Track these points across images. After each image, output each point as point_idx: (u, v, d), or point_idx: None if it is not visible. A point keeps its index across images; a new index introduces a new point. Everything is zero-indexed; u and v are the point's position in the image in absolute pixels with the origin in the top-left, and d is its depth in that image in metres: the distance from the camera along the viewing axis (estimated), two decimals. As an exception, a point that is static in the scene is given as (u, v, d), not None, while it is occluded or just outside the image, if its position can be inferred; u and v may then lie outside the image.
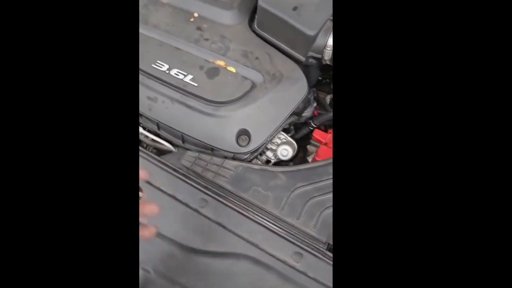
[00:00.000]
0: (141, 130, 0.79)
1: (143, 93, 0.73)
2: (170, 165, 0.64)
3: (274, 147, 0.72)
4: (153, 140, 0.79)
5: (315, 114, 0.79)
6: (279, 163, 0.73)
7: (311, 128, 0.77)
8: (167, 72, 0.72)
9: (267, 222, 0.59)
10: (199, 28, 0.75)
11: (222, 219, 0.59)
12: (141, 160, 0.65)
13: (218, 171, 0.64)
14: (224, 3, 0.75)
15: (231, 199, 0.60)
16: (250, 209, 0.60)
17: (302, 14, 0.65)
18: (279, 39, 0.72)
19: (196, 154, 0.66)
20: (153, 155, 0.65)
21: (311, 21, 0.65)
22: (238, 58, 0.71)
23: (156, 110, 0.72)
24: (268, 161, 0.74)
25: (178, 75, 0.71)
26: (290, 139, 0.73)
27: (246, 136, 0.68)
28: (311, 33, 0.65)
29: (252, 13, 0.77)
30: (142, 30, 0.76)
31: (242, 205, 0.60)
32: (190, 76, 0.71)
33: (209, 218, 0.60)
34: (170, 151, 0.79)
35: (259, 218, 0.59)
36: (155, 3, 0.78)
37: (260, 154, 0.73)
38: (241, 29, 0.74)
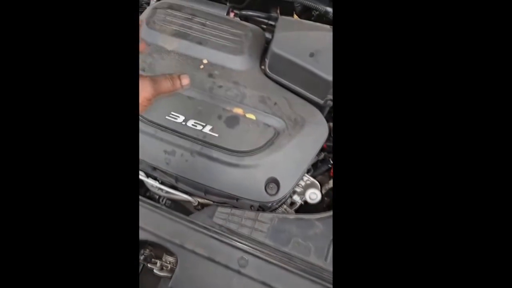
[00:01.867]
0: (155, 183, 0.75)
1: (159, 147, 0.69)
2: (203, 224, 0.61)
3: (299, 190, 0.72)
4: (168, 192, 0.76)
5: (324, 147, 0.80)
6: (305, 206, 0.73)
7: (330, 166, 0.78)
8: (184, 123, 0.69)
9: (313, 275, 0.58)
10: (210, 75, 0.73)
11: (266, 277, 0.58)
12: (171, 222, 0.62)
13: (253, 225, 0.62)
14: (233, 48, 0.74)
15: (272, 254, 0.59)
16: (293, 263, 0.59)
17: (320, 60, 0.66)
18: (295, 83, 0.72)
19: (228, 209, 0.64)
20: (183, 216, 0.62)
21: (329, 67, 0.66)
22: (256, 105, 0.70)
23: (175, 164, 0.69)
24: (292, 203, 0.73)
25: (196, 126, 0.69)
26: (313, 180, 0.73)
27: (274, 184, 0.67)
28: (330, 78, 0.66)
29: (262, 56, 0.77)
30: (149, 80, 0.73)
31: (285, 259, 0.59)
32: (209, 127, 0.69)
33: (252, 278, 0.58)
34: (187, 202, 0.76)
35: (304, 272, 0.58)
36: (160, 51, 0.76)
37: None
38: (254, 74, 0.74)
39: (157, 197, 0.81)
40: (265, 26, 0.91)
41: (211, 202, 0.74)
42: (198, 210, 0.76)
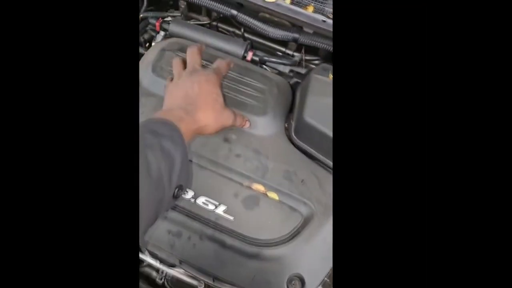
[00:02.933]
0: (154, 263, 0.64)
1: (162, 226, 0.58)
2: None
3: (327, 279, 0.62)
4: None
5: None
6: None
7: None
8: (193, 200, 0.58)
9: None
10: (226, 140, 0.62)
11: None
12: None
13: None
14: (255, 107, 0.63)
15: None
16: None
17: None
18: (326, 155, 0.61)
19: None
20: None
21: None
22: (281, 182, 0.59)
23: (180, 247, 0.58)
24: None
25: (207, 204, 0.58)
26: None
27: (298, 281, 0.56)
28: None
29: (287, 114, 0.66)
30: (153, 141, 0.61)
31: None
32: (223, 207, 0.58)
33: None
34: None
35: None
36: (167, 105, 0.64)
37: None
38: (278, 141, 0.63)
39: (155, 268, 0.70)
40: (280, 54, 0.80)
41: (220, 288, 0.63)
42: (204, 294, 0.66)
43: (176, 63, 0.59)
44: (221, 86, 0.57)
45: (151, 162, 0.41)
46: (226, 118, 0.55)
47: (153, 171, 0.41)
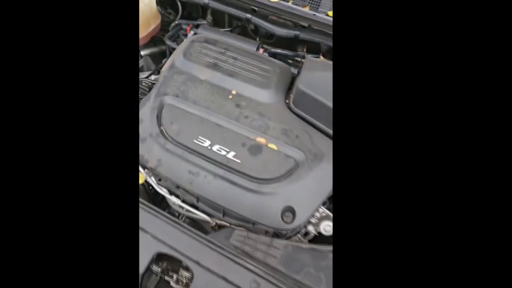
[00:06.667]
0: (177, 201, 0.79)
1: (184, 167, 0.74)
2: (220, 244, 0.64)
3: (314, 221, 0.74)
4: (188, 210, 0.80)
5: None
6: (319, 237, 0.75)
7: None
8: (209, 148, 0.74)
9: (322, 305, 0.59)
10: (238, 106, 0.79)
11: (276, 302, 0.59)
12: (189, 239, 0.65)
13: (268, 251, 0.65)
14: (261, 82, 0.80)
15: (284, 281, 0.61)
16: (304, 292, 0.60)
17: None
18: (317, 119, 0.77)
19: (245, 233, 0.67)
20: (201, 234, 0.65)
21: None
22: (279, 136, 0.75)
23: (198, 184, 0.73)
24: (306, 234, 0.76)
25: (220, 151, 0.74)
26: (328, 212, 0.75)
27: (290, 213, 0.70)
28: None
29: (288, 91, 0.83)
30: (182, 105, 0.79)
31: (296, 287, 0.60)
32: (232, 153, 0.73)
33: (263, 302, 0.59)
34: (205, 222, 0.79)
35: (314, 301, 0.59)
36: (194, 80, 0.82)
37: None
38: (278, 107, 0.79)
39: (177, 214, 0.84)
40: (291, 61, 0.98)
41: (228, 224, 0.77)
42: (215, 231, 0.79)
43: None
44: None
45: None
46: None
47: None
